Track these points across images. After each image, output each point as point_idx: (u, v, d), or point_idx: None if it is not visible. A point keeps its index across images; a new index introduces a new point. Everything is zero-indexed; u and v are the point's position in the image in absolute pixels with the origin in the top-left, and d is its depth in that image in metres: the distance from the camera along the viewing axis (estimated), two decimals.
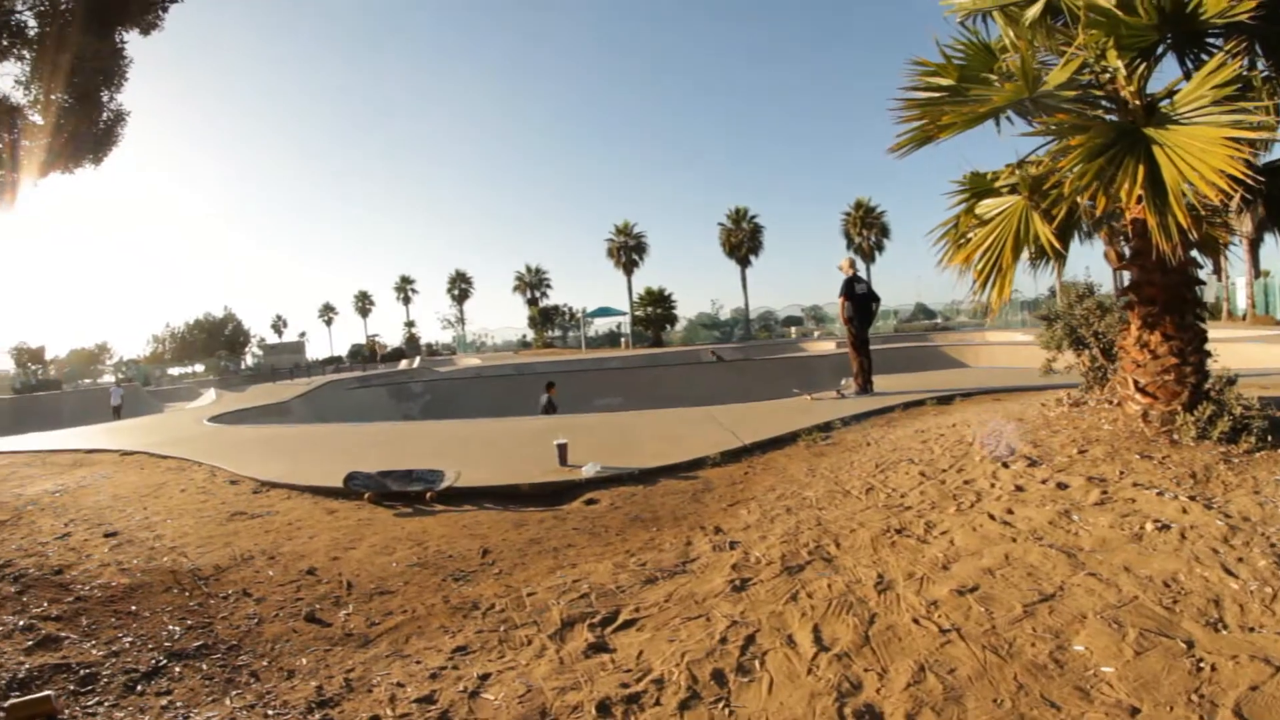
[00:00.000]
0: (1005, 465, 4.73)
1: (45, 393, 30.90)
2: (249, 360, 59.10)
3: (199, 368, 56.13)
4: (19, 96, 6.06)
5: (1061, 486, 4.01)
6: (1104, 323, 6.48)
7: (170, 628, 3.23)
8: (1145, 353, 4.88)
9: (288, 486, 6.19)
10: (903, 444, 5.90)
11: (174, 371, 54.69)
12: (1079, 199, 4.15)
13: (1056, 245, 4.67)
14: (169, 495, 6.34)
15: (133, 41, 6.62)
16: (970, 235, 5.06)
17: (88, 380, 46.88)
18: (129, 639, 3.11)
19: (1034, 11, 5.12)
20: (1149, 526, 3.27)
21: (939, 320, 47.03)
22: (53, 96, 5.89)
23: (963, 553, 3.23)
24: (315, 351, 71.16)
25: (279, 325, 79.76)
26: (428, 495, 5.46)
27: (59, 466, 8.78)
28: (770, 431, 6.86)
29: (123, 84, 6.45)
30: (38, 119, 6.02)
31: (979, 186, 5.23)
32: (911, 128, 4.64)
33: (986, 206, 5.10)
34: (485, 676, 2.56)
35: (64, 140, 6.07)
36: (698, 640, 2.67)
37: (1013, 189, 5.03)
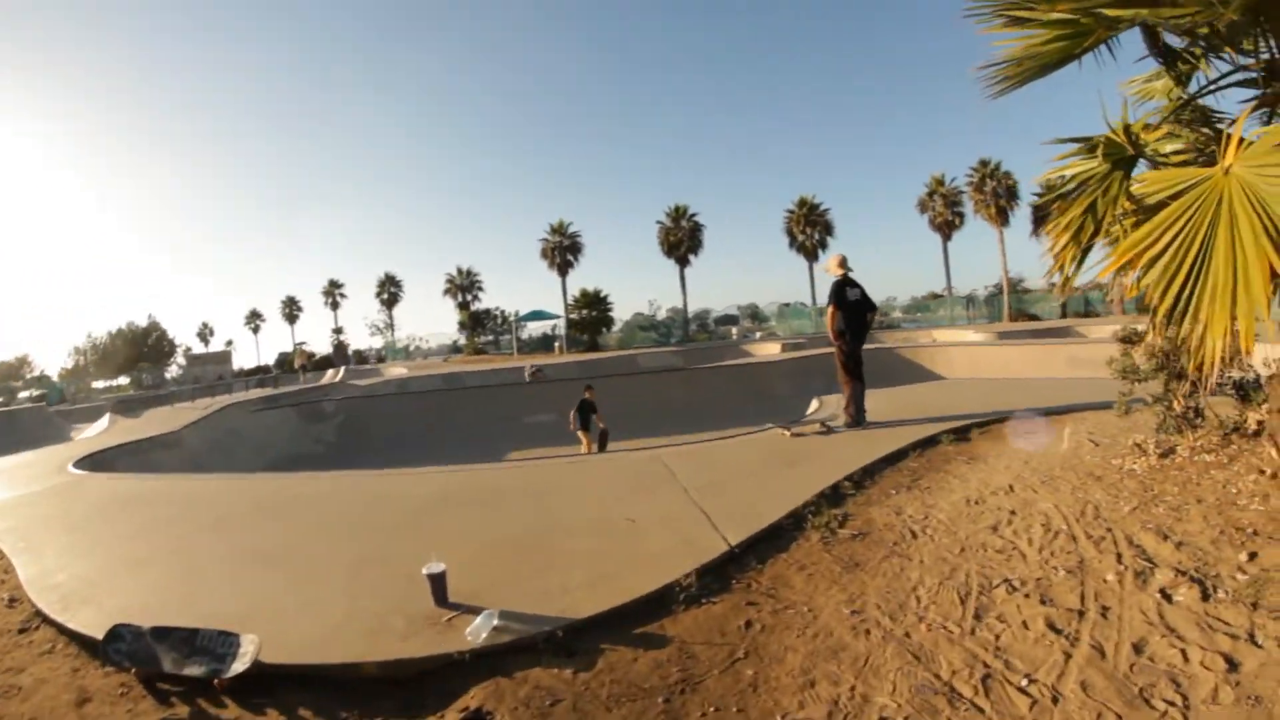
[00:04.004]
0: (1168, 598, 2.90)
1: None
2: (173, 371, 54.67)
3: (124, 380, 51.21)
4: None
5: None
6: None
7: None
8: None
9: (57, 628, 3.80)
10: (966, 536, 3.96)
11: (99, 385, 48.48)
12: None
13: None
14: None
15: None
16: (1113, 230, 3.08)
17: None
18: None
19: None
20: None
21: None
22: None
23: None
24: (243, 360, 67.48)
25: (205, 334, 76.15)
26: (215, 683, 3.16)
27: None
28: (761, 513, 4.63)
29: None
30: None
31: (1115, 153, 3.15)
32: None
33: (1152, 184, 3.01)
34: None
35: None
36: None
37: (1199, 155, 3.02)
